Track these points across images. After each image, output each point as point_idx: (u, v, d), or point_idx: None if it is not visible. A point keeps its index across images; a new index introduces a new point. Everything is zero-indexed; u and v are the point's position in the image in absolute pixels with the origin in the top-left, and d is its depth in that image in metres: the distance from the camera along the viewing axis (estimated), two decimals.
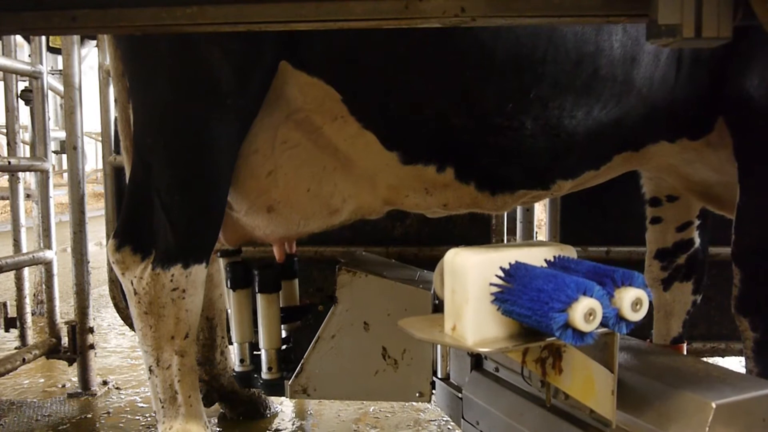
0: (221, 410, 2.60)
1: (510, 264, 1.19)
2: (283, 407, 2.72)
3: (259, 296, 2.12)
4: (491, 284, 1.17)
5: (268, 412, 2.62)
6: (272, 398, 2.68)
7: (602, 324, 1.09)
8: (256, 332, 2.16)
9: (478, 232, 2.79)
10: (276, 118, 1.81)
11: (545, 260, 1.25)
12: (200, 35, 1.64)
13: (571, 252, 1.29)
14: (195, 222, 1.80)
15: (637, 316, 1.12)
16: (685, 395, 1.19)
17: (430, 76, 1.72)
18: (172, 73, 1.72)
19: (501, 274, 1.18)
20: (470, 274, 1.18)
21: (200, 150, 1.75)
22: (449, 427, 2.52)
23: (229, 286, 2.18)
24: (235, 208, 1.94)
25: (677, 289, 2.36)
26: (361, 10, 1.05)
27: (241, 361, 2.21)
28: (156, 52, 1.71)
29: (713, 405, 1.13)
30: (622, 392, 1.24)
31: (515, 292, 1.13)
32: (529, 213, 2.82)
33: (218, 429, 2.51)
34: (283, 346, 2.18)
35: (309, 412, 2.70)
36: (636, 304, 1.12)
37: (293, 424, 2.56)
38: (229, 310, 2.27)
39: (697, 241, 2.33)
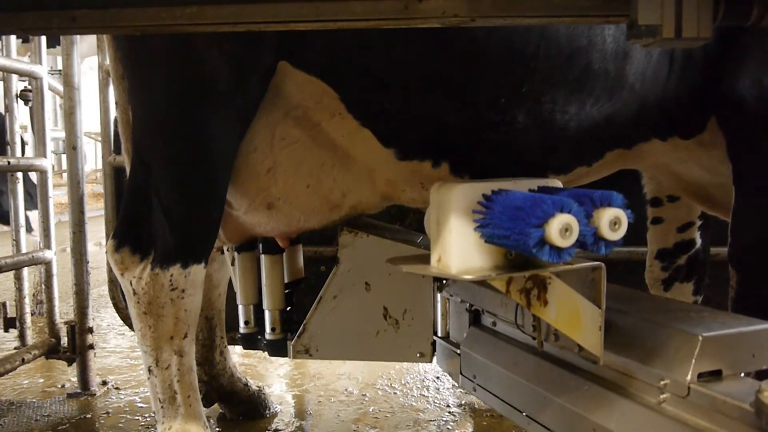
0: (221, 410, 2.60)
1: (492, 191, 1.19)
2: (283, 407, 2.72)
3: (262, 257, 2.14)
4: (474, 211, 1.18)
5: (267, 412, 2.62)
6: (271, 398, 2.68)
7: (581, 243, 1.09)
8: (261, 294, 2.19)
9: None
10: (274, 116, 1.81)
11: (529, 189, 1.27)
12: (199, 36, 1.64)
13: (556, 184, 1.30)
14: (194, 222, 1.81)
15: (615, 236, 1.13)
16: (672, 330, 1.19)
17: (424, 74, 1.73)
18: (171, 73, 1.72)
19: (483, 201, 1.19)
20: (454, 203, 1.18)
21: (199, 150, 1.75)
22: (449, 427, 2.52)
23: (234, 248, 2.19)
24: (235, 206, 1.94)
25: (678, 290, 2.35)
26: (360, 10, 1.05)
27: (246, 323, 2.24)
28: (154, 52, 1.71)
29: (700, 337, 1.13)
30: (610, 332, 1.24)
31: (495, 215, 1.14)
32: None
33: (218, 429, 2.51)
34: (287, 307, 2.20)
35: (309, 412, 2.70)
36: (614, 223, 1.12)
37: (293, 424, 2.56)
38: (232, 274, 2.29)
39: (699, 241, 2.32)
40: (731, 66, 1.70)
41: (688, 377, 1.11)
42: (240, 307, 2.23)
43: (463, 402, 2.75)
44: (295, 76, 1.73)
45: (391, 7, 1.05)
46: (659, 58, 1.73)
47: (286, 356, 2.11)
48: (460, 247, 1.17)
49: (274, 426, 2.55)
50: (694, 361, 1.12)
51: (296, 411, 2.72)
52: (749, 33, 1.64)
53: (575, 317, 1.22)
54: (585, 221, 1.09)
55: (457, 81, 1.73)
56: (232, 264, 2.26)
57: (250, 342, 2.24)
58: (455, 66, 1.71)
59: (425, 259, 1.28)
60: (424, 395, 2.83)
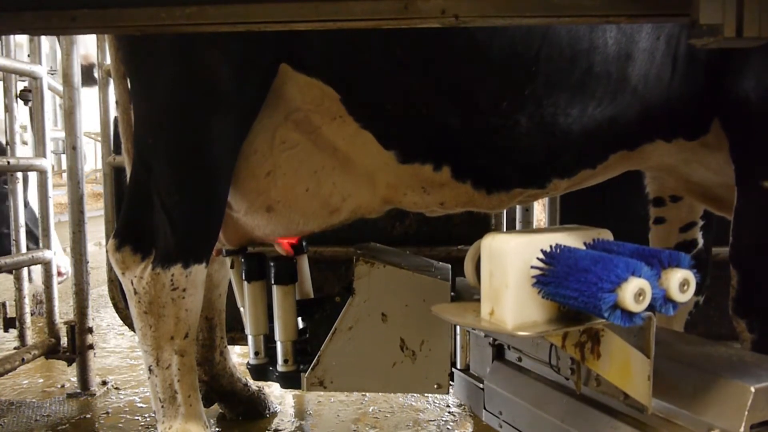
0: (220, 410, 2.60)
1: (551, 246, 1.17)
2: (283, 407, 2.72)
3: (274, 288, 2.09)
4: (532, 267, 1.15)
5: (267, 412, 2.62)
6: (271, 398, 2.68)
7: (650, 305, 1.07)
8: (271, 324, 2.15)
9: (477, 232, 2.77)
10: (275, 119, 1.81)
11: (584, 243, 1.24)
12: (201, 36, 1.64)
13: (608, 236, 1.27)
14: (195, 222, 1.81)
15: (684, 297, 1.11)
16: (722, 380, 1.18)
17: (426, 76, 1.73)
18: (173, 74, 1.72)
19: (542, 256, 1.15)
20: (510, 257, 1.16)
21: (201, 150, 1.76)
22: (449, 427, 2.52)
23: (243, 277, 2.15)
24: (235, 208, 1.94)
25: None
26: (360, 10, 1.06)
27: (256, 353, 2.18)
28: (157, 53, 1.72)
29: (752, 389, 1.13)
30: (657, 379, 1.23)
31: (559, 274, 1.11)
32: (528, 213, 2.82)
33: (217, 429, 2.51)
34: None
35: (308, 412, 2.70)
36: (683, 284, 1.10)
37: (292, 424, 2.56)
38: (239, 303, 2.26)
39: (701, 242, 2.32)
40: (735, 66, 1.70)
41: (741, 429, 1.11)
42: (249, 338, 2.17)
43: (462, 402, 2.75)
44: (297, 79, 1.73)
45: (391, 7, 1.05)
46: (662, 59, 1.73)
47: (300, 388, 2.05)
48: (516, 302, 1.15)
49: (273, 426, 2.55)
50: (747, 412, 1.12)
51: (296, 411, 2.71)
52: None
53: (626, 367, 1.21)
54: (656, 283, 1.08)
55: (460, 83, 1.73)
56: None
57: (261, 373, 2.17)
58: (458, 68, 1.71)
59: (470, 308, 1.26)
60: (423, 395, 2.83)
